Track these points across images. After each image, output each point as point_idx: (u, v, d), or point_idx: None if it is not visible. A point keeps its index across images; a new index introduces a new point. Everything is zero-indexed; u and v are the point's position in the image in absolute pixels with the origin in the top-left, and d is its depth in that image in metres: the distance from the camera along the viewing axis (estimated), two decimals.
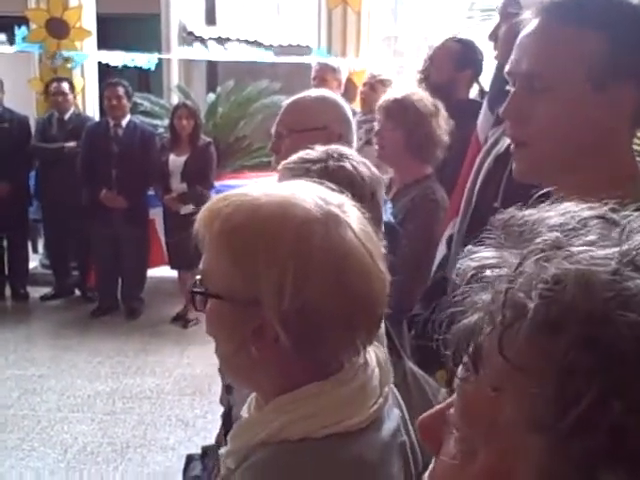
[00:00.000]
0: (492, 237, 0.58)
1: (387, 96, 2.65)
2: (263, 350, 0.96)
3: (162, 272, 6.54)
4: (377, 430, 1.00)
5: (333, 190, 1.03)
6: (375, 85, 5.20)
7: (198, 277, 1.03)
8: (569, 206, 0.58)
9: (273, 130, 2.08)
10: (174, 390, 4.84)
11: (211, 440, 4.03)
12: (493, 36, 2.06)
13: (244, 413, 1.09)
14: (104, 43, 7.09)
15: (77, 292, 6.67)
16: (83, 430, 4.26)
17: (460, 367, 0.57)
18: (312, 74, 5.59)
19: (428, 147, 2.58)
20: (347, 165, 1.51)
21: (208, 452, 2.42)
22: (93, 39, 6.86)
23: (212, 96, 7.19)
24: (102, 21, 7.22)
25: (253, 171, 6.80)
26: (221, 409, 4.56)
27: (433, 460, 0.61)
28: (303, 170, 1.40)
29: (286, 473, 0.94)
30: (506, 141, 1.94)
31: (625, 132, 1.25)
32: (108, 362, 5.25)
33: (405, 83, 5.44)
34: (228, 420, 1.66)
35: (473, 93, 3.43)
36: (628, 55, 1.17)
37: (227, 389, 1.65)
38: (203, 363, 5.24)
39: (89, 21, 6.81)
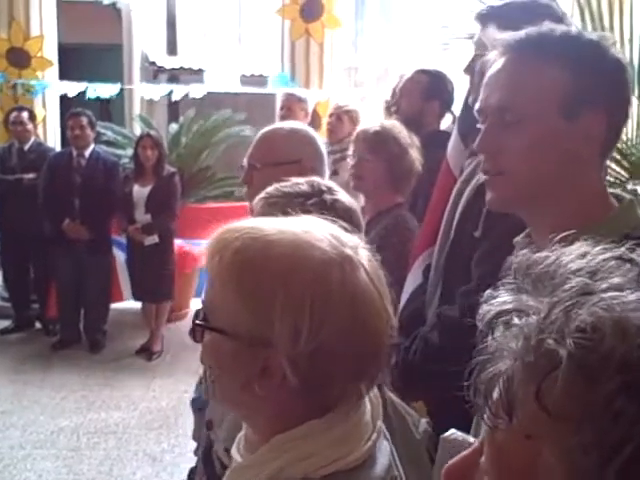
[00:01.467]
0: (509, 282, 0.59)
1: (365, 127, 2.67)
2: (267, 388, 0.94)
3: (125, 304, 6.46)
4: (372, 466, 0.99)
5: (336, 223, 1.02)
6: (341, 115, 5.25)
7: (199, 308, 1.01)
8: (585, 247, 0.59)
9: (245, 162, 2.08)
10: (140, 424, 4.76)
11: (179, 475, 3.98)
12: (469, 69, 2.08)
13: (235, 454, 1.07)
14: (66, 73, 7.04)
15: (37, 325, 6.53)
16: (47, 467, 4.16)
17: (487, 414, 0.57)
18: (279, 104, 5.62)
19: (407, 178, 2.61)
20: (342, 198, 1.52)
21: None
22: (55, 69, 6.81)
23: (175, 126, 7.17)
24: (64, 51, 7.18)
25: (217, 201, 6.78)
26: (189, 443, 4.51)
27: None
28: (296, 204, 1.39)
29: None
30: None
31: (596, 160, 1.29)
32: (72, 397, 5.14)
33: (370, 113, 5.51)
34: (208, 457, 1.63)
35: (446, 123, 3.48)
36: (594, 86, 1.22)
37: (208, 425, 1.62)
38: (169, 396, 5.18)
39: (50, 51, 6.76)
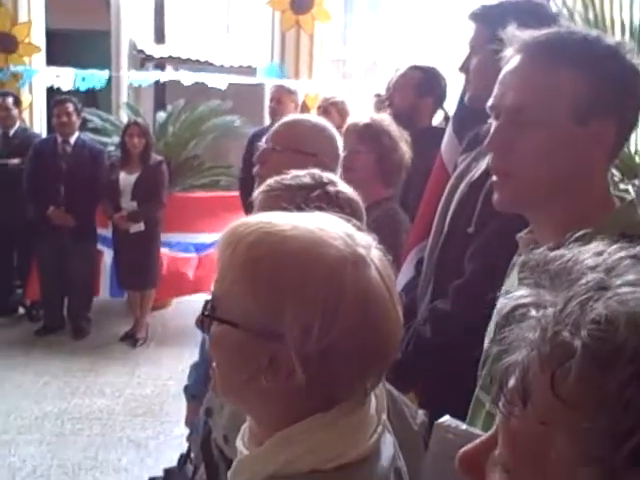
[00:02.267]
0: (527, 277, 0.62)
1: (355, 120, 2.69)
2: (273, 382, 0.95)
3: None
4: (378, 459, 1.00)
5: (350, 222, 1.02)
6: (328, 108, 5.26)
7: (209, 299, 1.01)
8: (601, 246, 0.62)
9: (264, 142, 2.10)
10: (124, 411, 4.77)
11: (164, 461, 3.99)
12: (464, 68, 2.12)
13: (239, 446, 1.07)
14: (53, 59, 7.00)
15: (21, 310, 6.51)
16: (32, 452, 4.16)
17: (502, 402, 0.60)
18: (269, 96, 5.63)
19: (397, 171, 2.64)
20: (344, 189, 1.54)
21: (170, 475, 2.40)
22: (42, 55, 6.77)
23: (162, 115, 7.15)
24: (51, 37, 7.13)
25: (204, 190, 6.78)
26: (174, 430, 4.53)
27: None
28: (299, 197, 1.41)
29: None
30: (479, 168, 2.01)
31: (603, 164, 1.32)
32: (55, 383, 5.14)
33: (358, 106, 5.53)
34: (207, 445, 1.65)
35: (438, 119, 3.51)
36: (609, 93, 1.24)
37: (207, 412, 1.64)
38: (153, 383, 5.20)
39: (38, 37, 6.72)
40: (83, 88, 6.88)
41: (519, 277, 0.63)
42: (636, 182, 3.00)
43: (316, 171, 1.63)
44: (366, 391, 1.00)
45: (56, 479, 3.89)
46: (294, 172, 1.61)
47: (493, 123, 1.35)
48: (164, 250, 6.26)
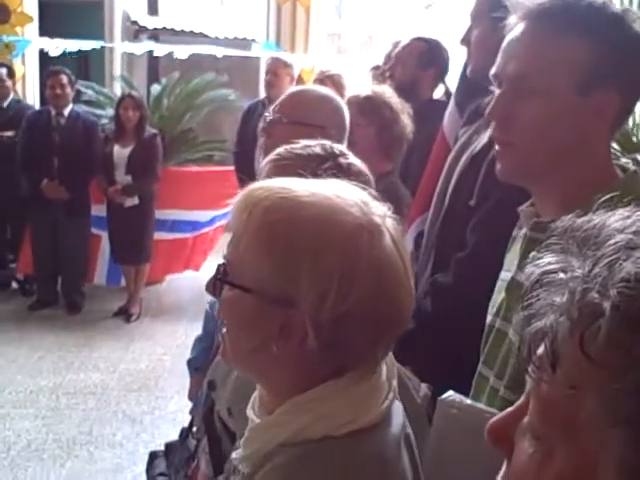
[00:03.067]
0: (555, 243, 0.61)
1: (356, 92, 2.65)
2: (285, 349, 0.95)
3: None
4: (389, 425, 1.01)
5: (366, 190, 1.02)
6: (325, 81, 5.19)
7: (222, 263, 1.00)
8: (627, 211, 0.60)
9: (270, 113, 2.06)
10: (119, 386, 4.76)
11: (160, 436, 4.00)
12: (465, 40, 2.07)
13: (250, 414, 1.07)
14: (46, 29, 6.90)
15: (14, 285, 6.48)
16: (26, 427, 4.15)
17: (531, 367, 0.59)
18: (265, 69, 5.56)
19: (398, 145, 2.60)
20: (355, 161, 1.51)
21: (172, 448, 2.39)
22: (35, 25, 6.68)
23: (157, 87, 7.06)
24: (44, 7, 7.03)
25: (198, 164, 6.73)
26: (169, 405, 4.53)
27: (505, 463, 0.63)
28: (309, 167, 1.37)
29: (314, 472, 0.93)
30: (480, 141, 1.98)
31: (605, 136, 1.29)
32: (49, 357, 5.12)
33: (353, 80, 5.47)
34: (210, 418, 1.63)
35: (439, 93, 3.47)
36: (613, 63, 1.21)
37: (210, 385, 1.62)
38: (148, 358, 5.19)
39: (31, 6, 6.63)
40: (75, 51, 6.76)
41: (544, 244, 0.61)
42: (638, 157, 2.97)
43: (327, 142, 1.60)
44: (377, 359, 1.01)
45: (51, 453, 3.89)
46: (304, 142, 1.58)
47: (496, 92, 1.32)
48: (159, 234, 6.22)
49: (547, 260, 0.59)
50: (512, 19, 1.31)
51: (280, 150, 1.55)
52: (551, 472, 0.56)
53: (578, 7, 1.23)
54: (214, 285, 1.01)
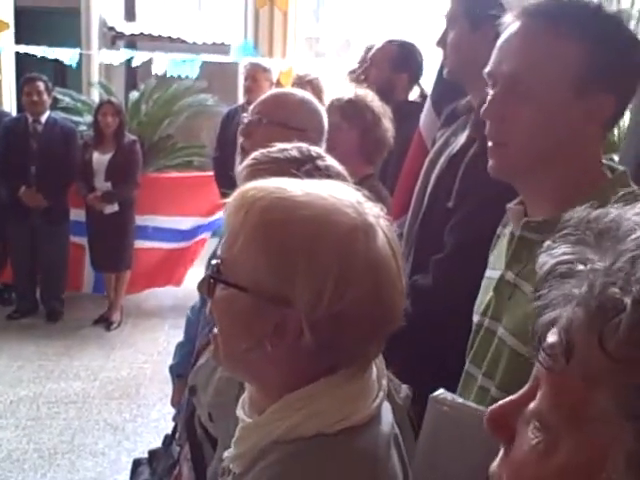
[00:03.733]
0: (569, 234, 0.60)
1: (338, 96, 2.65)
2: (278, 347, 0.95)
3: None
4: (379, 423, 1.02)
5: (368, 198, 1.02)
6: (304, 86, 5.20)
7: (216, 262, 1.00)
8: None
9: (249, 114, 2.05)
10: (100, 394, 4.72)
11: (142, 444, 3.97)
12: (441, 42, 2.08)
13: (241, 414, 1.07)
14: (22, 37, 6.85)
15: None
16: (7, 437, 4.11)
17: (543, 356, 0.58)
18: (244, 74, 5.55)
19: (379, 149, 2.60)
20: (332, 163, 1.51)
21: (155, 456, 2.37)
22: (10, 32, 6.63)
23: (135, 94, 7.04)
24: (20, 14, 6.98)
25: (177, 170, 6.71)
26: (151, 413, 4.50)
27: (502, 451, 0.63)
28: (287, 170, 1.36)
29: (306, 470, 0.94)
30: (458, 143, 1.99)
31: (598, 137, 1.30)
32: (29, 366, 5.07)
33: (331, 85, 5.48)
34: (191, 423, 1.62)
35: (414, 95, 3.48)
36: (608, 65, 1.21)
37: (191, 391, 1.61)
38: (129, 366, 5.15)
39: (7, 13, 6.57)
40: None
41: (558, 235, 0.60)
42: (614, 157, 3.00)
43: (302, 145, 1.59)
44: (369, 358, 1.02)
45: (32, 463, 3.85)
46: (280, 145, 1.57)
47: (489, 91, 1.33)
48: (139, 243, 6.15)
49: (562, 250, 0.59)
50: (507, 17, 1.32)
51: (256, 154, 1.54)
52: (554, 463, 0.56)
53: (574, 8, 1.24)
54: (208, 284, 1.00)
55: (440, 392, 1.33)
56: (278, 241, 0.94)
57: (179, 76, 6.84)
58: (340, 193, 0.99)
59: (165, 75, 6.84)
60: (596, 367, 0.54)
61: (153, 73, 6.85)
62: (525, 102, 1.24)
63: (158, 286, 6.42)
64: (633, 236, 0.56)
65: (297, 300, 0.93)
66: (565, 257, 0.58)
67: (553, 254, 0.59)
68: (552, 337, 0.57)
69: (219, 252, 1.01)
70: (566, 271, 0.57)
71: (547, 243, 0.61)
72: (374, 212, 0.99)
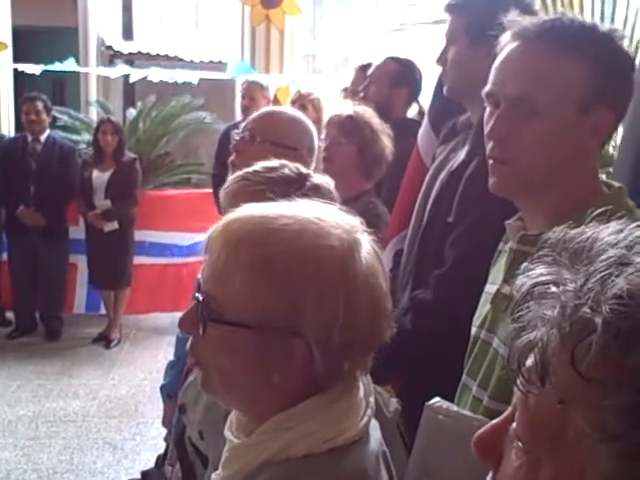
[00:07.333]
0: (546, 255, 0.60)
1: (338, 112, 2.66)
2: (284, 377, 0.95)
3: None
4: (368, 441, 1.01)
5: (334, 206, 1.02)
6: (305, 104, 5.23)
7: (202, 301, 0.96)
8: (620, 225, 0.60)
9: (242, 131, 2.06)
10: (100, 413, 4.70)
11: (141, 463, 3.95)
12: (441, 60, 2.09)
13: (229, 435, 1.06)
14: (20, 56, 6.88)
15: None
16: (6, 457, 4.09)
17: (520, 379, 0.58)
18: (241, 92, 5.57)
19: (377, 164, 2.61)
20: (321, 181, 1.52)
21: (148, 476, 2.36)
22: (9, 52, 6.65)
23: (133, 111, 7.06)
24: (18, 33, 7.02)
25: (175, 188, 6.71)
26: (150, 431, 4.47)
27: (490, 475, 0.63)
28: (279, 190, 1.36)
29: None
30: (458, 159, 2.00)
31: (596, 152, 1.33)
32: (28, 385, 5.05)
33: (328, 101, 5.51)
34: (181, 442, 1.62)
35: (412, 112, 3.49)
36: (607, 82, 1.25)
37: (180, 409, 1.60)
38: (128, 384, 5.13)
39: (5, 33, 6.60)
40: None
41: (536, 256, 0.61)
42: (610, 170, 3.01)
43: (289, 163, 1.60)
44: (356, 376, 1.01)
45: None
46: (265, 164, 1.57)
47: (487, 110, 1.34)
48: (138, 259, 6.10)
49: (539, 272, 0.59)
50: (505, 37, 1.33)
51: (247, 174, 1.55)
52: None
53: (574, 28, 1.27)
54: (200, 324, 0.96)
55: (435, 400, 1.33)
56: (282, 273, 0.92)
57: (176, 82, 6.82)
58: (323, 214, 0.99)
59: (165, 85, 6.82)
60: (571, 388, 0.53)
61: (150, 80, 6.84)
62: (531, 121, 1.26)
63: (164, 310, 6.17)
64: (604, 256, 0.56)
65: (307, 328, 0.92)
66: (541, 278, 0.58)
67: (530, 275, 0.59)
68: (529, 360, 0.57)
69: (203, 287, 0.97)
70: (542, 292, 0.58)
71: (524, 265, 0.61)
72: (358, 227, 1.00)
